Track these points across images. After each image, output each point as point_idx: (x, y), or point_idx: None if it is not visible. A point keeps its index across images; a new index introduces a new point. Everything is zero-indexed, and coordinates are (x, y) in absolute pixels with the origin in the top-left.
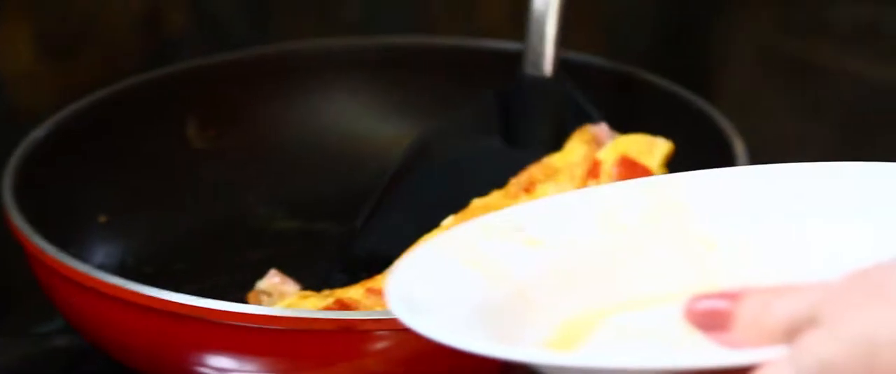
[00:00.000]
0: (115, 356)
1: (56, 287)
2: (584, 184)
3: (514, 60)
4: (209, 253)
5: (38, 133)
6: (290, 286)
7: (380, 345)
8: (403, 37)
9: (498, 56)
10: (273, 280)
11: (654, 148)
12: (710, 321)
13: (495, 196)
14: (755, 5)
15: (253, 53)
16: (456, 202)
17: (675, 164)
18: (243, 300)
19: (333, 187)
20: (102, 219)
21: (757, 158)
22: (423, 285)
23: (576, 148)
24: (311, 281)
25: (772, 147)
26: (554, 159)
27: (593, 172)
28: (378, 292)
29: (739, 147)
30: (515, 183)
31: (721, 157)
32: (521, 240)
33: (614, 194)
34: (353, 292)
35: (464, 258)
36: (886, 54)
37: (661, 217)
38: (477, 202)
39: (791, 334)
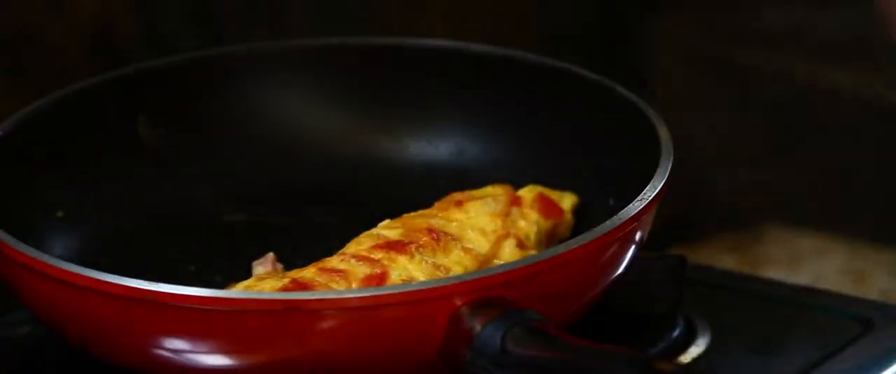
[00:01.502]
0: (73, 344)
1: (17, 277)
2: (506, 210)
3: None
4: (161, 245)
5: None
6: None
7: (326, 324)
8: (341, 38)
9: (437, 53)
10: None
11: (564, 197)
12: None
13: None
14: (684, 8)
15: (199, 55)
16: None
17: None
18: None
19: (278, 180)
20: (60, 214)
21: (686, 150)
22: None
23: (488, 188)
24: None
25: (700, 140)
26: (473, 191)
27: (515, 201)
28: (329, 271)
29: (664, 133)
30: (443, 202)
31: (649, 144)
32: None
33: None
34: (307, 272)
35: None
36: (812, 55)
37: None
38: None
39: None
